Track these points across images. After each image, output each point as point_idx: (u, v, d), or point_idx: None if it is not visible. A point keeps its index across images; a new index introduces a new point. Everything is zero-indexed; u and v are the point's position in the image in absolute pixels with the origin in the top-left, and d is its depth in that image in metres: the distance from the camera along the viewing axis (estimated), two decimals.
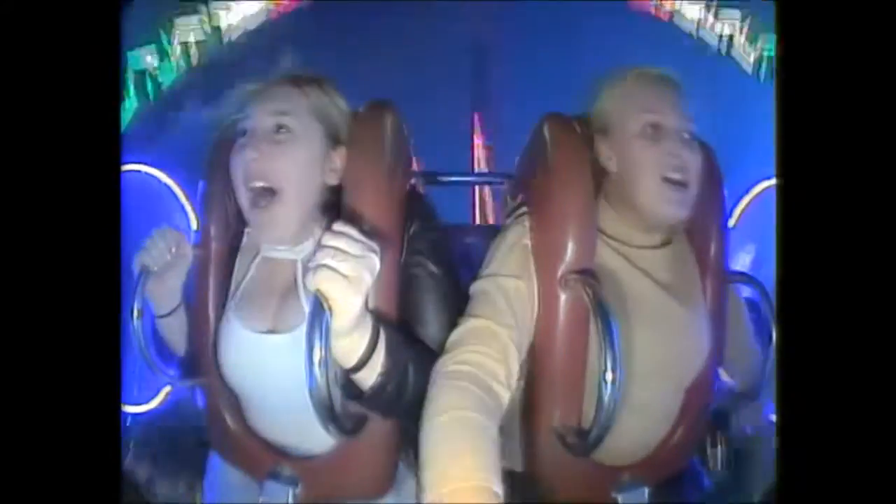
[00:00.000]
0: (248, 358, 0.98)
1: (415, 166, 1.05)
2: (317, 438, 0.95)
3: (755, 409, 1.20)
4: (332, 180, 0.98)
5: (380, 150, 0.94)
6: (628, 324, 0.94)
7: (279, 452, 1.01)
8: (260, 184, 0.94)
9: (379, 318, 0.83)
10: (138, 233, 1.01)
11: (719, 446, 1.21)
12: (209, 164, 1.07)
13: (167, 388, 2.06)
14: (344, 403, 0.87)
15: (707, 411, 1.11)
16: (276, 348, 0.95)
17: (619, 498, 1.00)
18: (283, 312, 0.97)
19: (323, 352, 0.73)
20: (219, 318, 1.02)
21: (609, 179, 1.04)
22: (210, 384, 1.03)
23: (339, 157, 0.98)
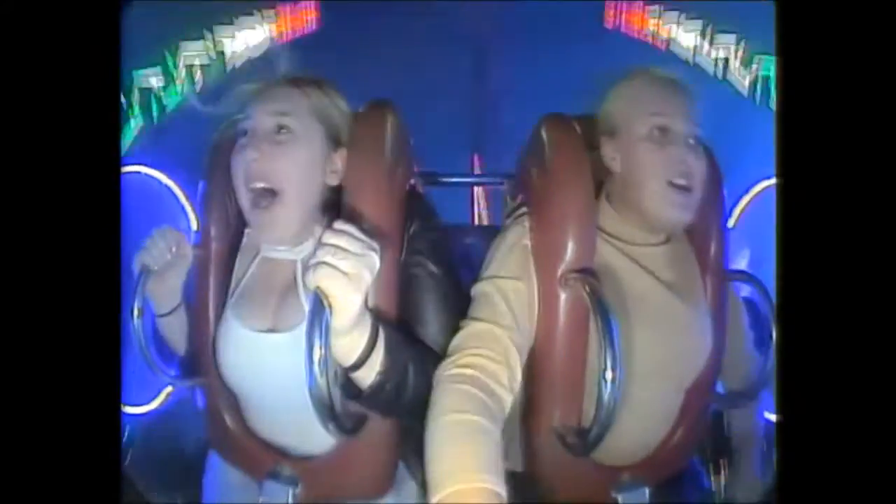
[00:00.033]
0: (246, 357, 0.98)
1: (415, 166, 1.05)
2: (316, 439, 0.95)
3: (749, 411, 1.20)
4: (333, 181, 0.98)
5: (380, 150, 0.94)
6: (628, 322, 0.94)
7: (279, 452, 1.01)
8: (260, 184, 0.94)
9: (378, 318, 0.83)
10: (139, 234, 1.01)
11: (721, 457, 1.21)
12: (209, 165, 1.07)
13: (167, 389, 2.06)
14: (344, 402, 0.87)
15: (707, 411, 1.12)
16: (276, 347, 0.95)
17: (620, 498, 1.00)
18: (282, 311, 0.97)
19: (322, 350, 0.73)
20: (219, 318, 1.02)
21: (612, 180, 1.04)
22: (210, 384, 1.03)
23: (339, 159, 0.98)
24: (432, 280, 0.95)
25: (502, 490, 0.71)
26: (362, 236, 0.76)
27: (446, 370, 0.85)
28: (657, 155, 0.98)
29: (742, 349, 1.15)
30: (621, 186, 1.02)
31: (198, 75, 2.60)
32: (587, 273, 0.91)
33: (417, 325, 0.94)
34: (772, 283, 0.93)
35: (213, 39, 2.65)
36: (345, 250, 0.73)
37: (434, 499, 0.70)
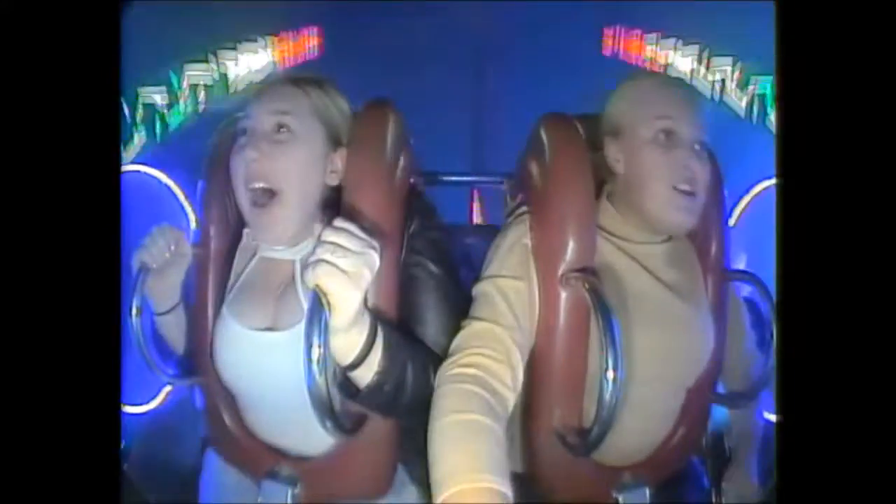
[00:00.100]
0: (243, 355, 0.97)
1: (415, 165, 1.05)
2: (314, 440, 0.95)
3: (749, 412, 1.20)
4: (333, 181, 0.98)
5: (380, 149, 0.93)
6: (629, 322, 0.94)
7: (278, 452, 1.00)
8: (260, 184, 0.94)
9: (377, 317, 0.83)
10: (138, 233, 1.01)
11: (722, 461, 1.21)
12: (208, 164, 1.06)
13: (167, 388, 2.06)
14: (343, 402, 0.87)
15: (708, 411, 1.12)
16: (274, 346, 0.95)
17: (620, 498, 1.00)
18: (281, 310, 0.97)
19: (321, 349, 0.73)
20: (217, 317, 1.02)
21: (614, 180, 1.04)
22: (208, 383, 1.03)
23: (339, 159, 0.98)
24: (432, 280, 0.95)
25: (507, 490, 0.70)
26: (362, 234, 0.75)
27: (448, 370, 0.84)
28: (662, 159, 0.97)
29: (743, 349, 1.15)
30: (624, 188, 1.02)
31: (201, 96, 2.62)
32: (588, 272, 0.91)
33: (417, 325, 0.94)
34: (772, 283, 0.93)
35: (217, 62, 2.68)
36: (344, 248, 0.73)
37: (438, 499, 0.69)
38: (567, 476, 0.99)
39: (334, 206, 0.96)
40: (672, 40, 3.21)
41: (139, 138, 2.43)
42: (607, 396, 0.81)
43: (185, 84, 2.53)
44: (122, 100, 2.39)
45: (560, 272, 0.92)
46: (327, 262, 0.72)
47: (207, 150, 1.08)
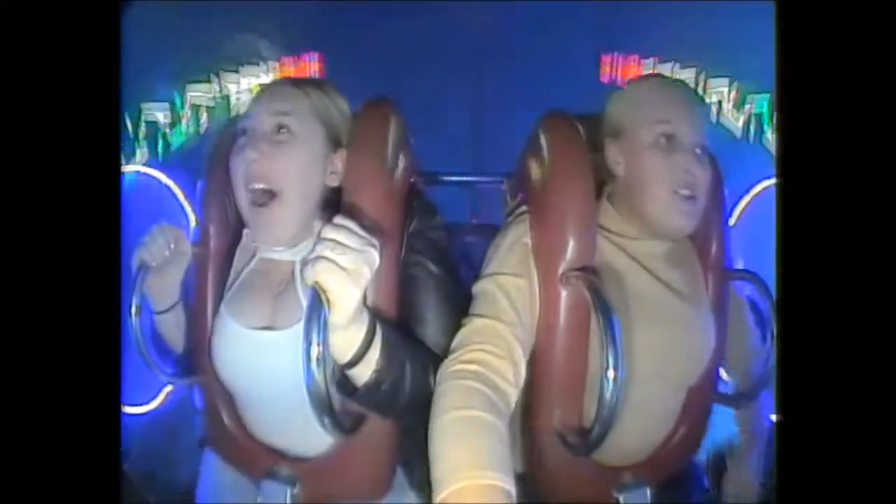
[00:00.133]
0: (242, 354, 0.97)
1: (415, 165, 1.05)
2: (312, 440, 0.95)
3: (752, 412, 1.20)
4: (333, 182, 0.97)
5: (380, 148, 0.93)
6: (630, 320, 0.94)
7: (277, 452, 1.00)
8: (260, 185, 0.93)
9: (376, 316, 0.83)
10: (139, 234, 1.01)
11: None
12: (208, 164, 1.06)
13: (167, 388, 2.06)
14: (342, 401, 0.87)
15: (709, 411, 1.11)
16: (272, 345, 0.94)
17: (621, 498, 1.00)
18: (279, 309, 0.96)
19: (320, 347, 0.73)
20: (216, 316, 1.02)
21: (614, 182, 1.04)
22: (207, 383, 1.03)
23: (340, 160, 0.98)
24: (432, 280, 0.94)
25: (511, 487, 0.69)
26: (362, 232, 0.75)
27: (450, 366, 0.84)
28: (662, 163, 0.97)
29: (747, 347, 1.15)
30: (624, 190, 1.02)
31: (203, 117, 2.64)
32: (588, 271, 0.91)
33: (416, 325, 0.94)
34: (772, 283, 0.93)
35: (220, 83, 2.70)
36: (344, 245, 0.73)
37: (438, 497, 0.68)
38: (567, 476, 0.99)
39: (334, 206, 0.96)
40: (669, 64, 3.22)
41: (141, 154, 2.46)
42: (608, 395, 0.81)
43: (187, 104, 2.56)
44: (126, 114, 2.42)
45: (560, 271, 0.92)
46: (327, 258, 0.72)
47: (207, 150, 1.08)
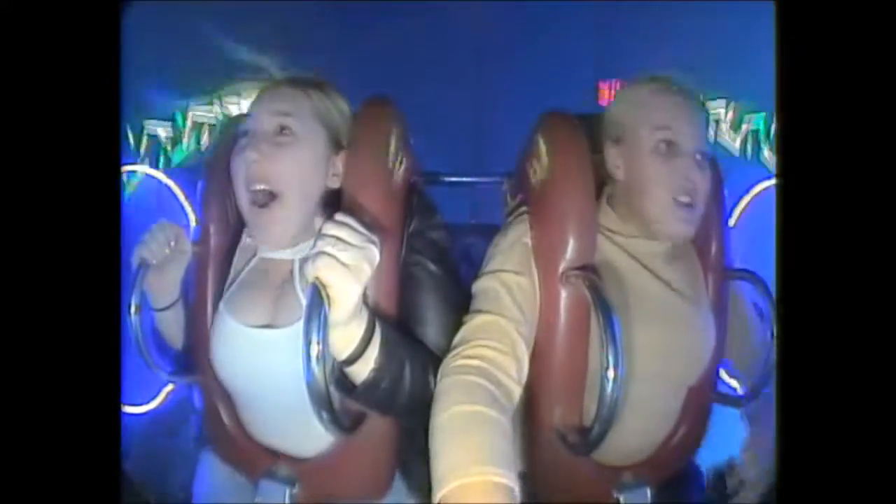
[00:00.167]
0: (240, 353, 0.97)
1: (415, 164, 1.05)
2: (311, 440, 0.95)
3: (761, 409, 1.19)
4: (334, 184, 0.97)
5: (380, 148, 0.93)
6: (630, 319, 0.94)
7: (276, 452, 1.00)
8: (261, 186, 0.93)
9: (376, 314, 0.83)
10: (139, 234, 1.01)
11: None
12: (208, 164, 1.06)
13: (167, 388, 2.06)
14: (341, 399, 0.87)
15: (709, 410, 1.11)
16: (271, 343, 0.94)
17: (621, 498, 1.00)
18: (279, 307, 0.96)
19: (320, 345, 0.72)
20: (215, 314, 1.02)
21: (614, 184, 1.04)
22: (206, 382, 1.03)
23: (341, 162, 0.97)
24: (432, 280, 0.94)
25: (514, 484, 0.67)
26: (363, 229, 0.75)
27: (452, 361, 0.83)
28: (663, 169, 0.97)
29: (753, 344, 1.14)
30: (624, 193, 1.02)
31: (205, 136, 2.66)
32: (588, 270, 0.91)
33: (416, 324, 0.93)
34: (772, 283, 0.93)
35: (222, 104, 2.72)
36: (345, 242, 0.73)
37: (438, 495, 0.66)
38: (567, 476, 0.99)
39: (335, 207, 0.95)
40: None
41: (142, 171, 2.50)
42: (608, 395, 0.81)
43: (189, 122, 2.58)
44: (128, 128, 2.45)
45: (560, 270, 0.92)
46: (328, 254, 0.72)
47: (208, 150, 1.09)
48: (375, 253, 0.75)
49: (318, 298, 0.72)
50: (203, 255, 1.04)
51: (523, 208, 1.02)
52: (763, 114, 2.48)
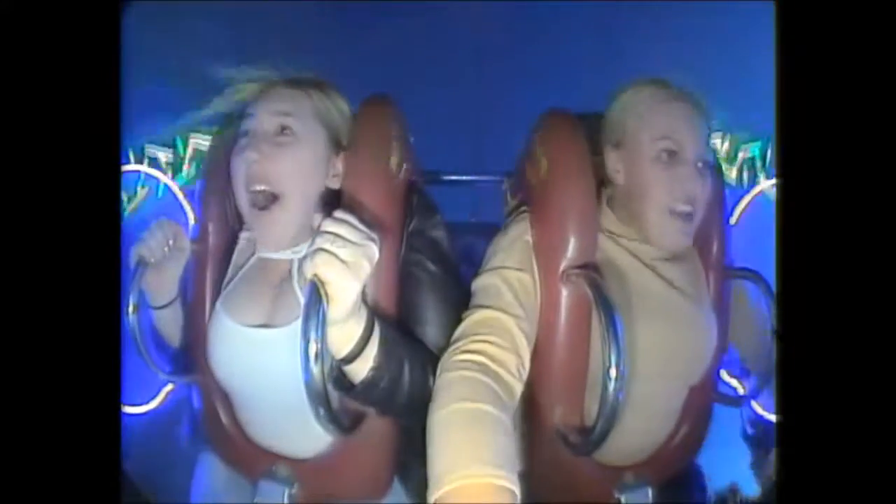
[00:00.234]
0: (237, 352, 0.96)
1: (415, 163, 1.05)
2: (310, 441, 0.94)
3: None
4: (335, 185, 0.97)
5: (380, 146, 0.93)
6: (632, 318, 0.94)
7: (275, 453, 1.00)
8: (261, 187, 0.93)
9: (375, 313, 0.83)
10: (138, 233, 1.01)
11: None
12: (208, 163, 1.06)
13: (167, 388, 2.06)
14: (340, 399, 0.86)
15: (710, 410, 1.11)
16: (269, 343, 0.94)
17: (623, 498, 0.99)
18: (277, 307, 0.96)
19: (318, 344, 0.72)
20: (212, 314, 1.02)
21: (614, 188, 1.04)
22: (204, 382, 1.03)
23: (341, 162, 0.97)
24: (431, 280, 0.94)
25: (515, 486, 0.65)
26: (362, 226, 0.75)
27: (452, 356, 0.81)
28: (663, 177, 0.97)
29: (760, 335, 1.13)
30: (624, 197, 1.02)
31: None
32: (589, 269, 0.91)
33: (416, 324, 0.93)
34: (772, 282, 0.93)
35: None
36: (344, 239, 0.72)
37: (437, 493, 0.64)
38: (568, 475, 0.99)
39: (335, 207, 0.95)
40: None
41: (142, 192, 2.52)
42: (610, 394, 0.80)
43: (189, 150, 2.60)
44: (129, 150, 2.46)
45: (561, 269, 0.91)
46: (327, 251, 0.71)
47: (208, 150, 1.09)
48: (375, 250, 0.75)
49: (316, 296, 0.72)
50: (202, 253, 1.03)
51: (524, 207, 1.02)
52: (759, 143, 2.49)
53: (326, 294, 0.72)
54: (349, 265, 0.72)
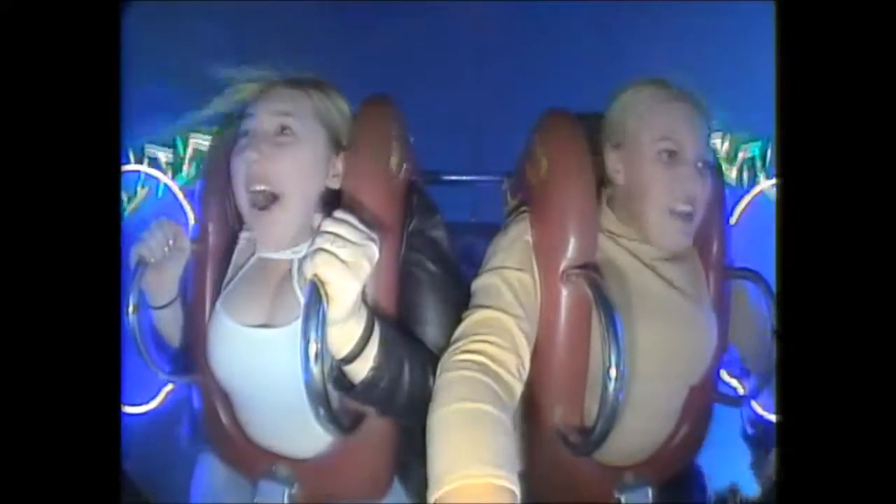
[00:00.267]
0: (237, 352, 0.96)
1: (415, 163, 1.05)
2: (310, 441, 0.94)
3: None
4: (335, 185, 0.97)
5: (380, 146, 0.93)
6: (632, 318, 0.93)
7: (275, 453, 1.00)
8: (261, 187, 0.93)
9: (375, 312, 0.82)
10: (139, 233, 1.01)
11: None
12: (208, 163, 1.06)
13: (167, 388, 2.06)
14: (341, 399, 0.86)
15: (710, 410, 1.11)
16: (269, 343, 0.94)
17: (623, 498, 0.99)
18: (277, 307, 0.96)
19: (318, 344, 0.72)
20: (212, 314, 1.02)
21: (614, 188, 1.04)
22: (204, 382, 1.03)
23: (341, 162, 0.97)
24: (431, 280, 0.94)
25: (515, 486, 0.65)
26: (362, 226, 0.75)
27: (452, 356, 0.81)
28: (663, 177, 0.97)
29: (760, 333, 1.13)
30: (624, 198, 1.02)
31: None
32: (589, 268, 0.91)
33: (415, 324, 0.93)
34: (772, 282, 0.93)
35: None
36: (344, 239, 0.72)
37: (437, 493, 0.64)
38: (568, 475, 0.99)
39: (335, 207, 0.95)
40: None
41: (142, 192, 2.53)
42: (610, 394, 0.80)
43: (189, 150, 2.61)
44: (129, 150, 2.47)
45: (561, 269, 0.91)
46: (327, 251, 0.71)
47: (208, 150, 1.09)
48: (375, 250, 0.75)
49: (316, 296, 0.71)
50: (202, 253, 1.03)
51: (524, 207, 1.02)
52: (759, 143, 2.50)
53: (326, 294, 0.72)
54: (349, 265, 0.72)
